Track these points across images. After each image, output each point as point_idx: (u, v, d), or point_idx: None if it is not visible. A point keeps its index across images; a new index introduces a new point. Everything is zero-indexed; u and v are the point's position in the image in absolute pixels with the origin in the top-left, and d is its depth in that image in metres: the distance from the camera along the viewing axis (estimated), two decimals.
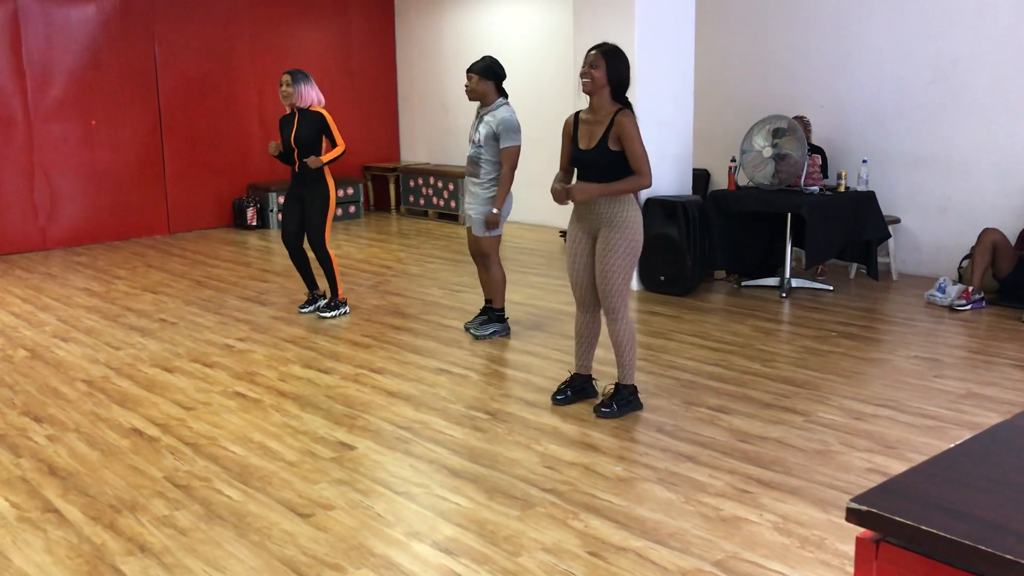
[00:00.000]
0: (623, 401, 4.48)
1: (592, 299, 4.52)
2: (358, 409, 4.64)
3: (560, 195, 4.37)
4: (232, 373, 5.27)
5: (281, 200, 10.55)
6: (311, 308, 6.61)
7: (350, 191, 11.20)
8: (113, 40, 9.64)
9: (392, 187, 11.74)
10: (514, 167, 5.58)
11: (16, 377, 5.28)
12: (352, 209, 11.26)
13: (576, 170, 4.47)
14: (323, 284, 6.93)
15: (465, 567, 3.07)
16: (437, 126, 11.68)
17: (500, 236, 5.77)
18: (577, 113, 4.48)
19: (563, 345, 5.68)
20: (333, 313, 6.48)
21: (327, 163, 6.25)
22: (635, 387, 4.55)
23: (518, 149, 5.56)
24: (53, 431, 4.42)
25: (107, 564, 3.14)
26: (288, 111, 6.37)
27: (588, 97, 4.38)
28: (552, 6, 9.91)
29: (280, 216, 10.46)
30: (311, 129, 6.24)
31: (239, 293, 7.31)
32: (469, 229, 5.80)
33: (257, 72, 10.69)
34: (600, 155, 4.30)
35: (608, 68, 4.27)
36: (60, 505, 3.60)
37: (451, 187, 10.77)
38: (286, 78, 6.23)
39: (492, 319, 5.92)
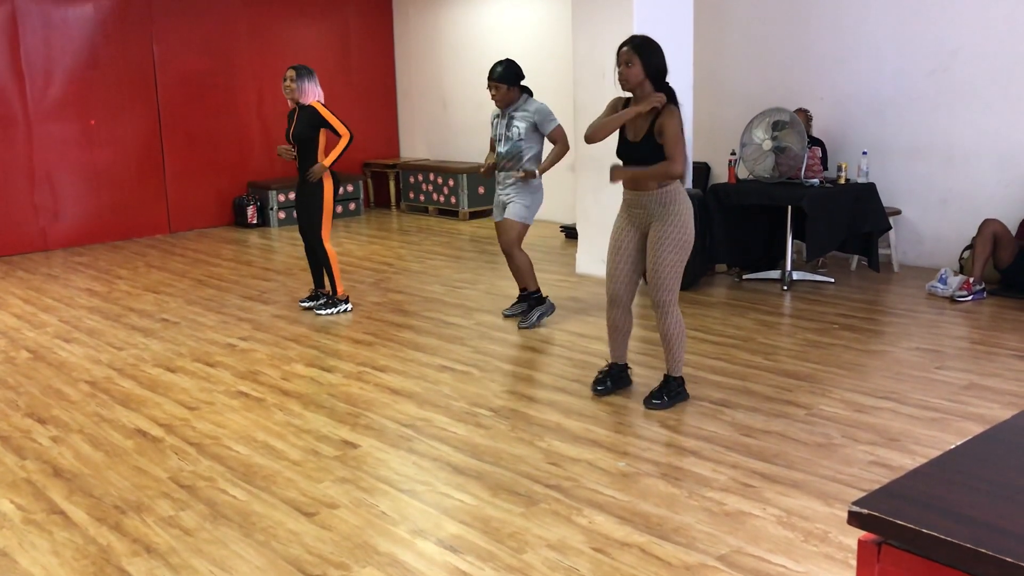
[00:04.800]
0: (672, 392, 4.50)
1: (628, 293, 4.52)
2: (361, 407, 4.65)
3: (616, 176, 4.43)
4: (235, 372, 5.28)
5: (281, 198, 10.56)
6: (311, 304, 6.62)
7: (350, 188, 11.20)
8: (111, 40, 9.64)
9: (392, 183, 11.74)
10: (565, 139, 5.83)
11: (19, 379, 5.29)
12: (352, 206, 11.26)
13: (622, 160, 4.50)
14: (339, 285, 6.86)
15: (470, 564, 3.08)
16: (436, 122, 11.68)
17: (528, 226, 5.94)
18: (627, 100, 4.43)
19: (566, 341, 5.68)
20: (331, 311, 6.49)
21: (330, 165, 6.24)
22: (683, 378, 4.57)
23: (562, 129, 5.83)
24: (57, 432, 4.43)
25: (113, 565, 3.15)
26: (291, 106, 6.38)
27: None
28: (550, 0, 9.89)
29: (280, 214, 10.53)
30: (306, 125, 6.24)
31: (241, 292, 7.31)
32: (498, 225, 5.94)
33: (256, 70, 10.68)
34: (650, 148, 4.30)
35: (644, 62, 4.26)
36: (65, 507, 3.61)
37: (451, 183, 10.76)
38: (291, 73, 6.24)
39: (532, 304, 6.07)
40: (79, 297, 7.31)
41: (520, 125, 5.78)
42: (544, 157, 5.90)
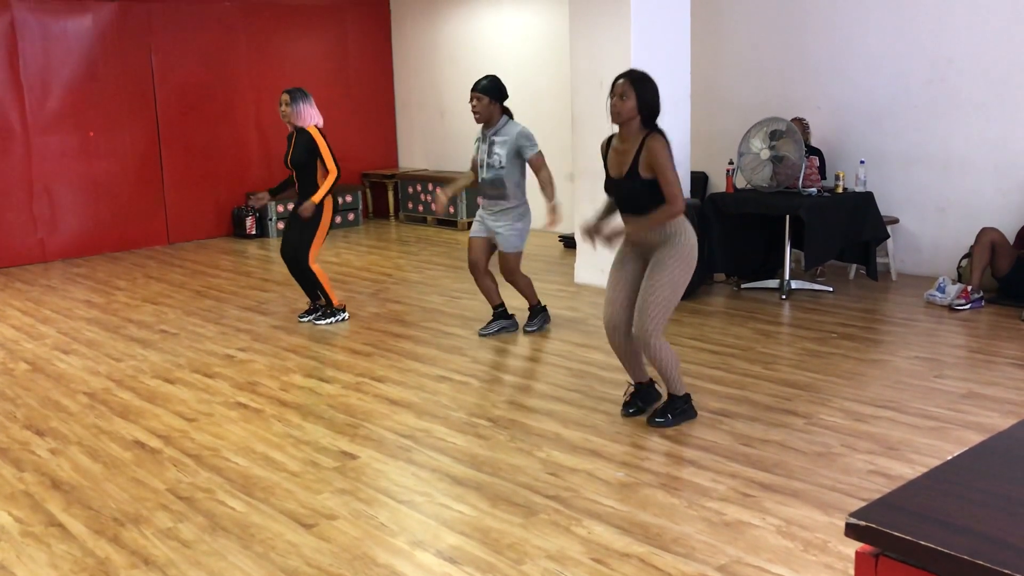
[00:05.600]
0: (677, 411, 4.43)
1: (626, 320, 4.37)
2: (360, 418, 4.64)
3: (589, 236, 4.40)
4: (233, 383, 5.28)
5: (280, 209, 10.57)
6: (309, 317, 6.62)
7: (348, 198, 11.22)
8: (110, 52, 9.66)
9: (390, 194, 11.76)
10: (545, 165, 5.76)
11: (17, 390, 5.29)
12: (351, 216, 11.27)
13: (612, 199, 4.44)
14: (333, 297, 6.83)
15: (469, 575, 3.07)
16: (435, 132, 11.70)
17: (522, 251, 5.96)
18: (610, 138, 4.41)
19: (564, 351, 5.68)
20: (329, 321, 6.50)
21: (320, 201, 6.21)
22: (688, 395, 4.49)
23: (541, 153, 5.77)
24: (55, 444, 4.42)
25: None
26: (290, 129, 6.39)
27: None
28: (548, 11, 9.93)
29: (279, 225, 10.53)
30: (303, 151, 6.23)
31: (239, 303, 7.31)
32: (475, 242, 5.93)
33: (254, 82, 10.70)
34: (632, 184, 4.22)
35: (638, 98, 4.20)
36: (64, 519, 3.60)
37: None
38: (284, 97, 6.24)
39: (535, 314, 6.19)
40: (77, 308, 7.30)
41: (500, 152, 5.69)
42: (520, 183, 5.82)
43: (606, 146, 4.42)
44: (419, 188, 11.21)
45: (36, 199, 9.40)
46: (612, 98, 4.24)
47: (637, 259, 4.37)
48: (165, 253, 9.80)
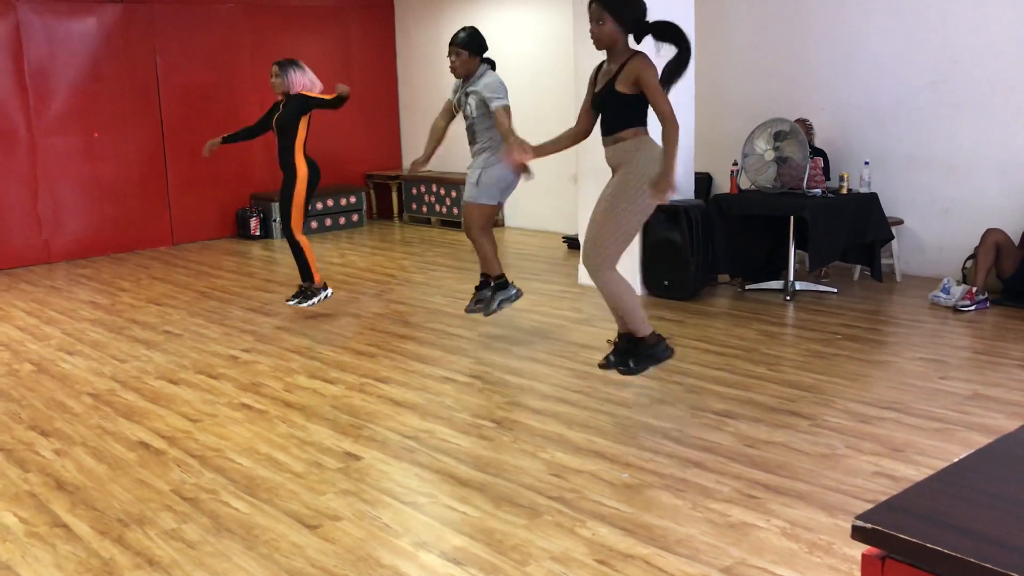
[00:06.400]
0: (642, 355, 4.25)
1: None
2: (364, 419, 4.64)
3: (515, 153, 4.31)
4: (238, 384, 5.28)
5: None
6: (296, 301, 6.66)
7: (352, 199, 11.23)
8: (114, 52, 9.67)
9: (394, 195, 11.76)
10: (510, 118, 5.41)
11: (22, 391, 5.30)
12: (355, 217, 11.28)
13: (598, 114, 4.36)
14: (320, 277, 6.80)
15: None
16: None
17: (494, 208, 5.68)
18: (600, 64, 4.38)
19: (568, 352, 5.68)
20: (312, 301, 6.54)
21: (317, 104, 6.33)
22: (656, 334, 4.27)
23: (507, 108, 5.43)
24: (60, 445, 4.43)
25: None
26: (280, 98, 6.50)
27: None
28: (552, 12, 9.93)
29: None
30: (291, 114, 6.38)
31: (243, 304, 7.32)
32: (465, 206, 5.74)
33: (258, 82, 10.70)
34: (609, 97, 4.15)
35: (615, 19, 4.08)
36: (68, 520, 3.61)
37: (453, 194, 10.78)
38: (274, 69, 6.45)
39: (495, 290, 5.84)
40: (82, 309, 7.32)
41: (472, 103, 5.55)
42: (492, 128, 5.50)
43: (596, 71, 4.37)
44: (423, 189, 11.21)
45: (40, 200, 9.41)
46: (590, 25, 4.15)
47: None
48: (169, 254, 9.81)
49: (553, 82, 9.80)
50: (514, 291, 5.91)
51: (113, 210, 9.86)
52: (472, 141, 5.69)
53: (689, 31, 7.09)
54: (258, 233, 10.56)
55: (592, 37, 4.16)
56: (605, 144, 4.34)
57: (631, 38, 4.26)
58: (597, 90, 4.28)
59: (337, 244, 10.08)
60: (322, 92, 6.48)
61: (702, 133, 7.86)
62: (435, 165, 11.69)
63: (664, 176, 4.07)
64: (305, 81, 6.42)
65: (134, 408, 4.93)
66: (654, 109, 4.13)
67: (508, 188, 5.70)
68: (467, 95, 5.61)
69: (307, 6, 11.10)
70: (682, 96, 7.13)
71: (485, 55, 5.66)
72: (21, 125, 9.21)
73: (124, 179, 9.89)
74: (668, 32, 4.16)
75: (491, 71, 5.62)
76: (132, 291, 7.95)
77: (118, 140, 9.80)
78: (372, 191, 11.95)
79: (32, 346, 6.27)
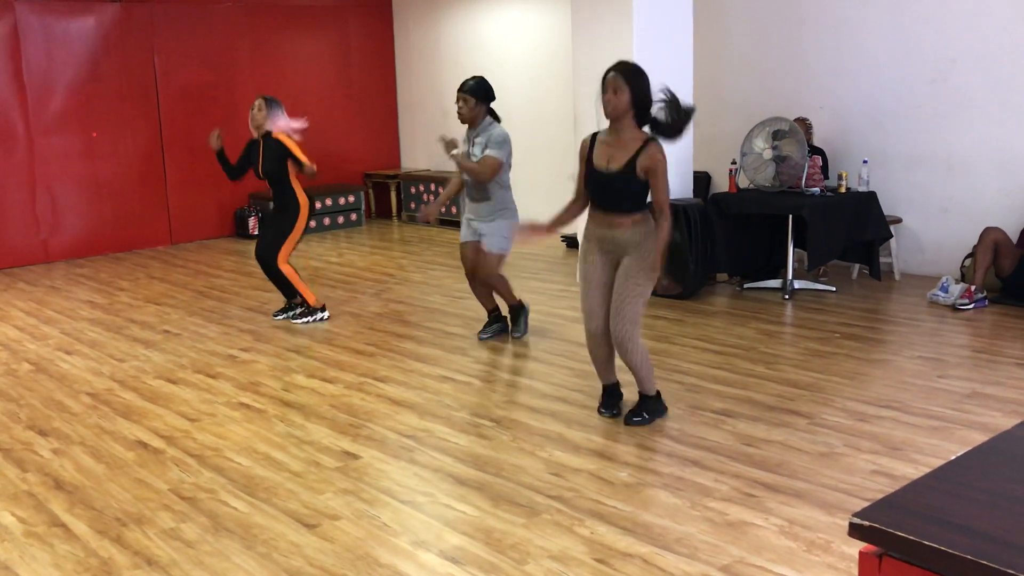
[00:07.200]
0: (652, 409, 4.46)
1: (607, 326, 4.35)
2: (362, 418, 4.64)
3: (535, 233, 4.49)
4: (236, 384, 5.28)
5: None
6: (284, 315, 6.64)
7: (351, 199, 11.22)
8: (113, 52, 9.67)
9: (393, 194, 11.76)
10: (493, 173, 5.53)
11: (21, 391, 5.29)
12: (353, 217, 11.28)
13: (590, 193, 4.31)
14: (309, 296, 6.78)
15: None
16: (437, 132, 11.62)
17: (507, 253, 5.81)
18: (595, 134, 4.32)
19: (567, 351, 5.68)
20: (306, 320, 6.55)
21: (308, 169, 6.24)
22: (659, 392, 4.53)
23: (499, 163, 5.53)
24: (58, 445, 4.42)
25: None
26: (254, 135, 6.39)
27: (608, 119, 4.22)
28: (550, 11, 9.92)
29: None
30: (274, 159, 6.29)
31: (242, 303, 7.32)
32: (467, 247, 5.81)
33: (257, 82, 10.70)
34: (627, 181, 4.13)
35: (632, 91, 4.10)
36: (67, 519, 3.61)
37: None
38: (259, 103, 6.31)
39: (516, 315, 6.04)
40: (80, 309, 7.31)
41: (477, 153, 5.60)
42: (500, 196, 5.67)
43: (590, 142, 4.32)
44: (421, 188, 11.21)
45: (39, 200, 9.40)
46: (605, 94, 4.14)
47: (607, 264, 4.31)
48: (168, 253, 9.81)
49: (553, 82, 9.79)
50: (527, 306, 6.16)
51: (111, 210, 9.86)
52: (478, 196, 5.68)
53: (688, 30, 7.13)
54: (257, 232, 10.55)
55: (606, 105, 4.14)
56: (602, 222, 4.27)
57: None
58: (609, 168, 4.19)
59: (336, 243, 10.08)
60: (296, 140, 6.31)
61: (701, 132, 7.86)
62: (434, 165, 11.76)
63: (657, 262, 4.20)
64: (283, 124, 6.32)
65: (132, 407, 4.93)
66: (655, 199, 4.17)
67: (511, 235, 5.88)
68: (474, 144, 5.67)
69: (305, 6, 11.09)
70: (681, 95, 7.13)
71: (491, 103, 5.70)
72: (19, 125, 9.21)
73: (122, 179, 9.89)
74: (664, 128, 4.21)
75: (499, 124, 5.67)
76: (130, 290, 7.95)
77: (116, 140, 9.79)
78: (371, 190, 11.95)
79: (30, 345, 6.26)
